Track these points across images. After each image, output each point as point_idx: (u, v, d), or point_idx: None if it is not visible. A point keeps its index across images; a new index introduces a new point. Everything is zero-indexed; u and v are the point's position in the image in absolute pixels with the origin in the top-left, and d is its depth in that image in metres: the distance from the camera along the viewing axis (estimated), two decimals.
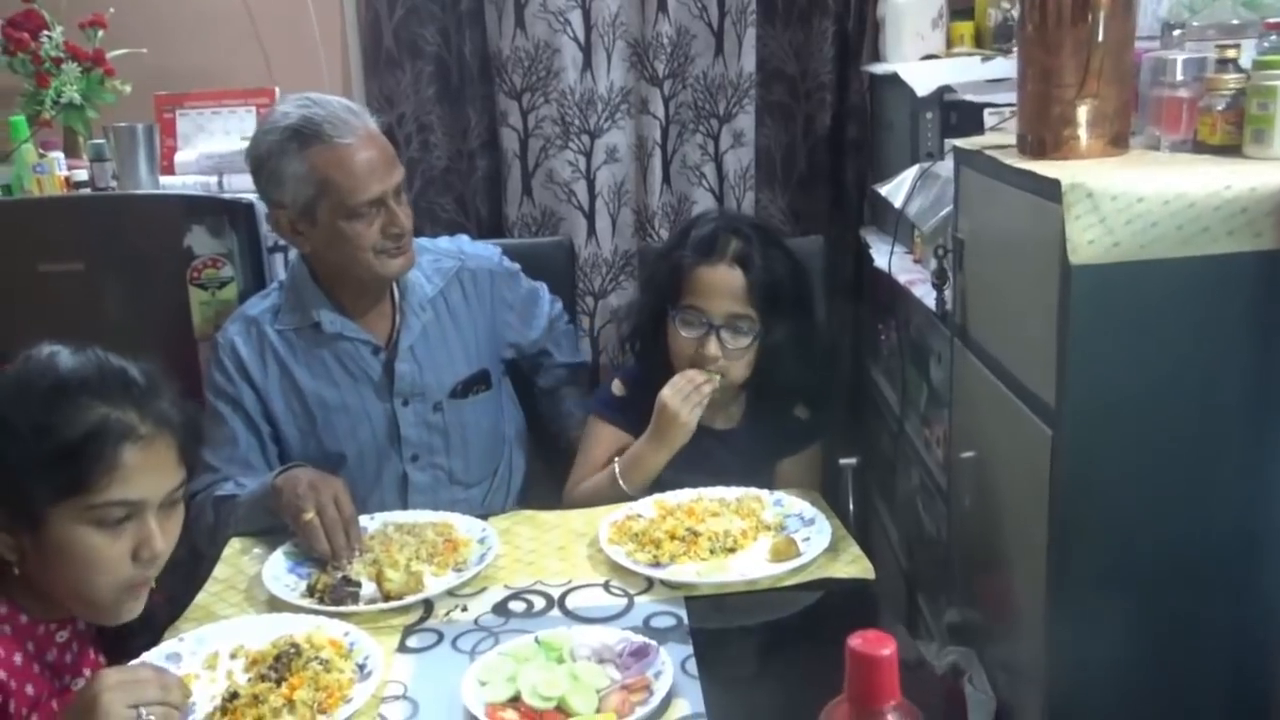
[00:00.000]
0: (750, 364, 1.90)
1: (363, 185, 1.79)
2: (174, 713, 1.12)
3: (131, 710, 1.09)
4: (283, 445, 1.92)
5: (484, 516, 1.75)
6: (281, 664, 1.30)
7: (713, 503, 1.73)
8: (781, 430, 1.98)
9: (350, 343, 1.91)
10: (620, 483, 1.85)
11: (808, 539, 1.61)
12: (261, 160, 1.83)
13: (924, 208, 1.94)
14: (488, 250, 2.12)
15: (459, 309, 2.01)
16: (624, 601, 1.50)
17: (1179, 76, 1.37)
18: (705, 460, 1.91)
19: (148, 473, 1.25)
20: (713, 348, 1.86)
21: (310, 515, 1.60)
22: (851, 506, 2.17)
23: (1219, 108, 1.32)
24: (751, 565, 1.57)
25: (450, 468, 1.97)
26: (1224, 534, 1.26)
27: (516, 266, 2.15)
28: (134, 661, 1.29)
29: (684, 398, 1.81)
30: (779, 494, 1.77)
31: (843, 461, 2.19)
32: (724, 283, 1.87)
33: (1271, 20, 1.35)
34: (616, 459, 1.87)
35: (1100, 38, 1.31)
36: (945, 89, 2.05)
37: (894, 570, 2.27)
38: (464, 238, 2.13)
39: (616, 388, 2.01)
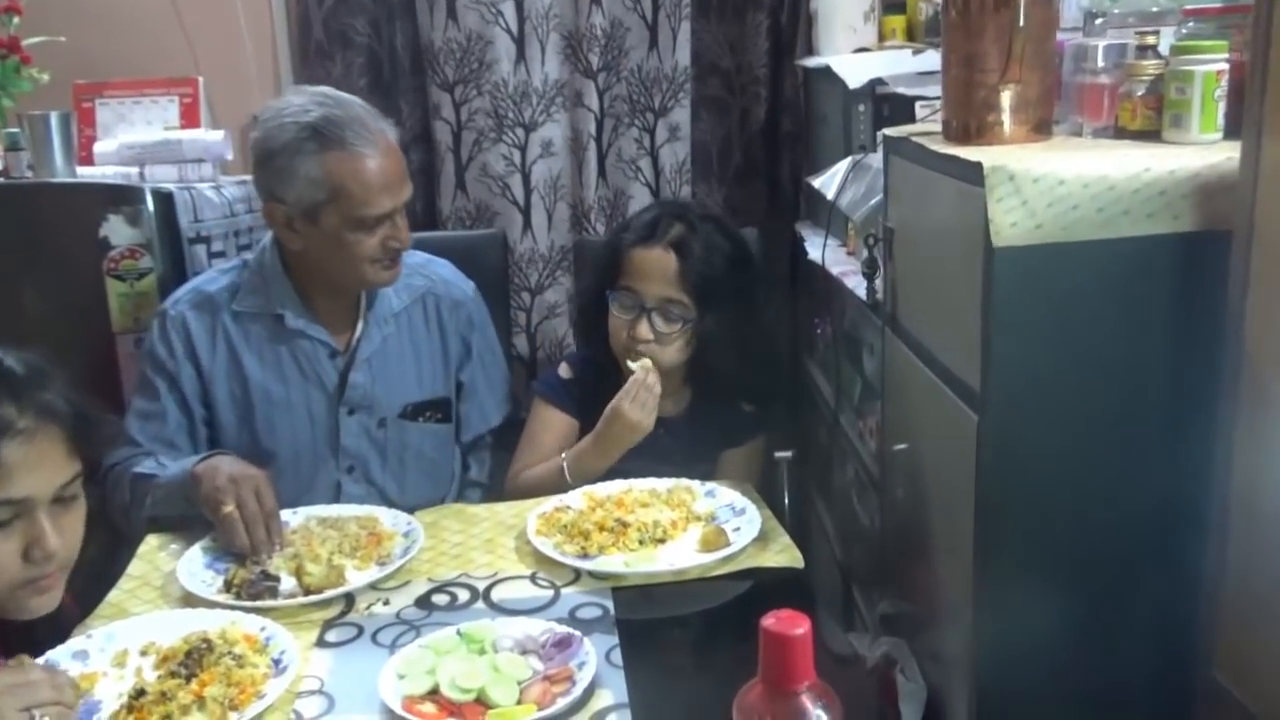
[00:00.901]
0: (682, 350, 1.90)
1: (376, 199, 1.75)
2: (68, 712, 1.08)
3: (24, 714, 1.05)
4: (215, 430, 1.87)
5: (411, 511, 1.72)
6: (192, 660, 1.27)
7: (643, 494, 1.72)
8: (726, 421, 1.98)
9: (310, 342, 1.87)
10: (567, 478, 1.82)
11: (737, 529, 1.60)
12: (272, 153, 1.76)
13: (856, 199, 1.94)
14: (463, 282, 2.05)
15: (419, 330, 1.97)
16: (550, 593, 1.48)
17: (1100, 63, 1.39)
18: (650, 446, 1.91)
19: (32, 469, 1.20)
20: (643, 329, 1.86)
21: (230, 509, 1.56)
22: (787, 499, 2.17)
23: (1139, 93, 1.33)
24: (680, 555, 1.55)
25: (384, 486, 1.93)
26: (1147, 516, 1.27)
27: (485, 315, 2.08)
28: (36, 660, 1.24)
29: (641, 405, 1.79)
30: (711, 485, 1.76)
31: (778, 455, 2.18)
32: (658, 265, 1.88)
33: (1190, 7, 1.37)
34: (565, 456, 1.84)
35: (1022, 23, 1.32)
36: (877, 82, 2.05)
37: (830, 563, 2.27)
38: (443, 262, 2.06)
39: (564, 370, 2.01)
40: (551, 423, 1.95)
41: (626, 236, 1.94)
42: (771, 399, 2.04)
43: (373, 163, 1.74)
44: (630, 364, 1.83)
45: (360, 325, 1.90)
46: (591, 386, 1.95)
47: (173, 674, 1.25)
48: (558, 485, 1.82)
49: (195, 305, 1.86)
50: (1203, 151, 1.23)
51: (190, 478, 1.63)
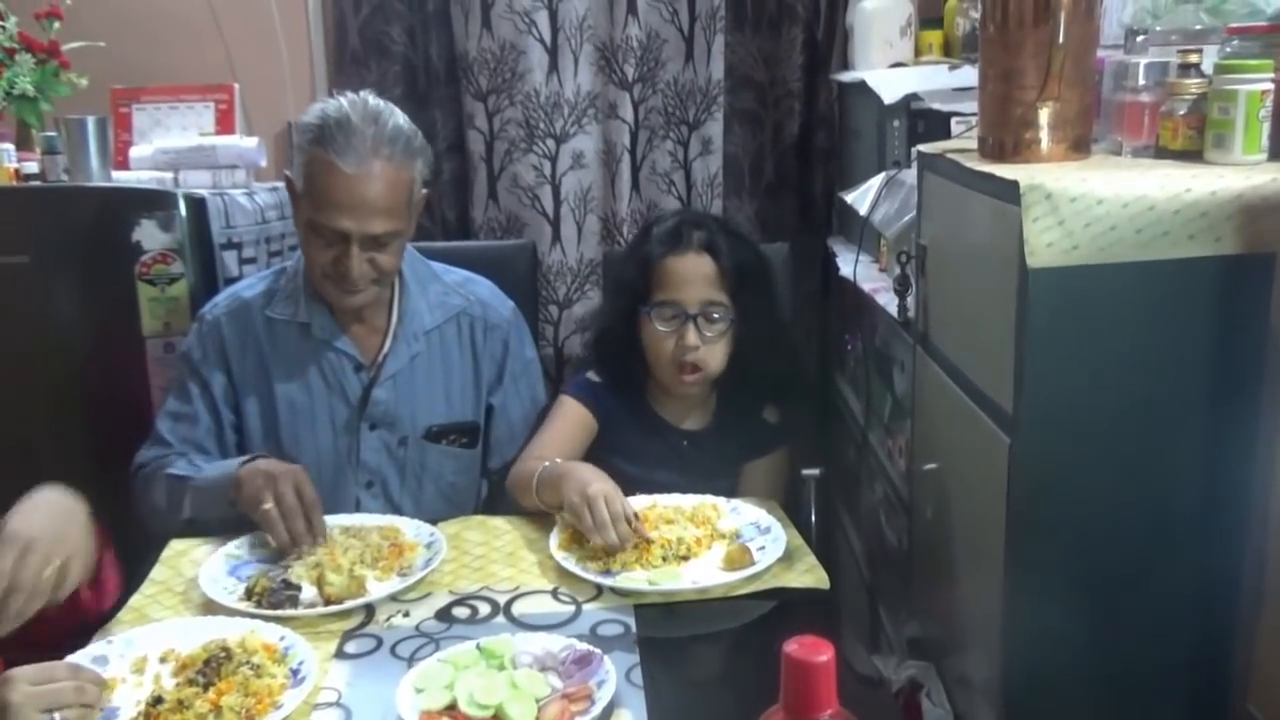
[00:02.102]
0: (725, 351, 1.88)
1: (332, 212, 1.69)
2: (90, 712, 1.07)
3: (45, 716, 1.04)
4: (242, 437, 1.86)
5: (436, 500, 1.71)
6: (210, 668, 1.26)
7: (667, 510, 1.70)
8: (750, 432, 1.96)
9: (335, 353, 1.84)
10: (533, 484, 1.73)
11: (762, 548, 1.58)
12: (295, 131, 1.78)
13: (889, 215, 1.92)
14: (500, 304, 1.97)
15: (451, 350, 1.91)
16: (571, 609, 1.46)
17: (1141, 81, 1.36)
18: (675, 458, 1.91)
19: None
20: (691, 336, 1.85)
21: (269, 505, 1.55)
22: (814, 517, 2.14)
23: (1180, 112, 1.30)
24: (704, 573, 1.53)
25: (401, 504, 1.89)
26: (1181, 543, 1.25)
27: (528, 335, 2.02)
28: (67, 660, 1.24)
29: (599, 524, 1.56)
30: (735, 501, 1.73)
31: (805, 472, 2.17)
32: (695, 271, 1.86)
33: (1234, 25, 1.34)
34: (545, 465, 1.74)
35: (1061, 39, 1.30)
36: (912, 97, 2.03)
37: (857, 583, 2.25)
38: (483, 281, 1.99)
39: (593, 374, 1.98)
40: (572, 414, 1.91)
41: (653, 249, 1.91)
42: (795, 404, 2.02)
43: (344, 176, 1.68)
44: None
45: (389, 341, 1.87)
46: (617, 397, 1.93)
47: (190, 682, 1.24)
48: (526, 488, 1.75)
49: (231, 311, 1.86)
50: (1246, 172, 1.20)
51: (233, 481, 1.63)
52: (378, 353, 1.86)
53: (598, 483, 1.61)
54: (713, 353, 1.87)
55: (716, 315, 1.86)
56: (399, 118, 1.76)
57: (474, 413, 1.93)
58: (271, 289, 1.87)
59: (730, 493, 1.79)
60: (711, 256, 1.87)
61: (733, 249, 1.90)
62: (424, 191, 1.83)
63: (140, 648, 1.34)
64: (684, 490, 1.76)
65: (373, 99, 1.77)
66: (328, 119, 1.70)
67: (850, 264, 2.12)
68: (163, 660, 1.32)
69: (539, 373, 2.03)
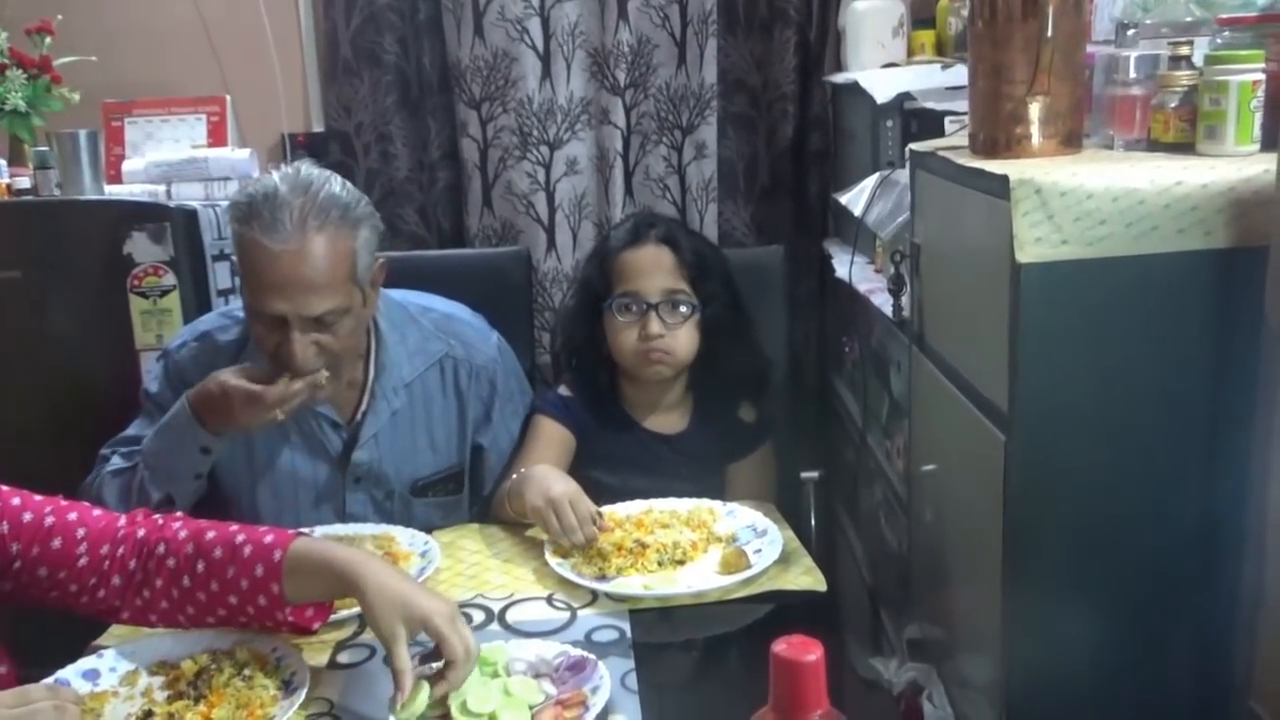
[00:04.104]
0: (693, 339, 1.88)
1: (262, 294, 1.56)
2: None
3: None
4: (216, 485, 1.75)
5: (429, 530, 1.69)
6: (202, 680, 1.25)
7: (663, 514, 1.69)
8: (728, 432, 1.95)
9: (309, 412, 1.72)
10: (506, 501, 1.74)
11: (759, 551, 1.57)
12: (228, 212, 1.66)
13: (883, 215, 1.91)
14: (483, 343, 1.87)
15: (434, 399, 1.81)
16: (566, 615, 1.45)
17: (1131, 74, 1.35)
18: (655, 464, 1.90)
19: None
20: (654, 325, 1.85)
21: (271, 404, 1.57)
22: (813, 520, 2.13)
23: (1172, 105, 1.29)
24: (700, 577, 1.52)
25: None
26: (1179, 539, 1.23)
27: (514, 363, 1.94)
28: (43, 682, 1.23)
29: (567, 528, 1.58)
30: (732, 505, 1.72)
31: (804, 475, 2.16)
32: (654, 261, 1.87)
33: (1224, 16, 1.33)
34: (514, 476, 1.74)
35: (1050, 33, 1.29)
36: (905, 96, 2.02)
37: (858, 586, 2.23)
38: (465, 318, 1.89)
39: (563, 389, 1.97)
40: (549, 433, 1.90)
41: (611, 246, 1.93)
42: (769, 403, 2.01)
43: (270, 254, 1.54)
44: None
45: (366, 398, 1.76)
46: (591, 404, 1.92)
47: (181, 695, 1.24)
48: (500, 503, 1.76)
49: (196, 356, 1.75)
50: (1238, 164, 1.19)
51: (188, 408, 1.60)
52: (355, 409, 1.77)
53: (559, 485, 1.62)
54: (678, 339, 1.86)
55: (679, 302, 1.86)
56: (335, 185, 1.61)
57: (459, 457, 1.85)
58: (243, 338, 1.75)
59: (716, 496, 1.77)
60: (670, 248, 1.87)
61: (693, 242, 1.92)
62: (380, 260, 1.69)
63: (131, 661, 1.33)
64: (669, 497, 1.75)
65: (307, 168, 1.63)
66: (255, 195, 1.57)
67: (846, 265, 2.11)
68: (154, 673, 1.31)
69: (528, 399, 1.97)
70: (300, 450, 1.76)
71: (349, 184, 1.65)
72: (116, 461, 1.72)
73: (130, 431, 1.77)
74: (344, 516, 1.78)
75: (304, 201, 1.56)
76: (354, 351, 1.71)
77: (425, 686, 1.19)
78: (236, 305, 1.80)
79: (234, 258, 1.70)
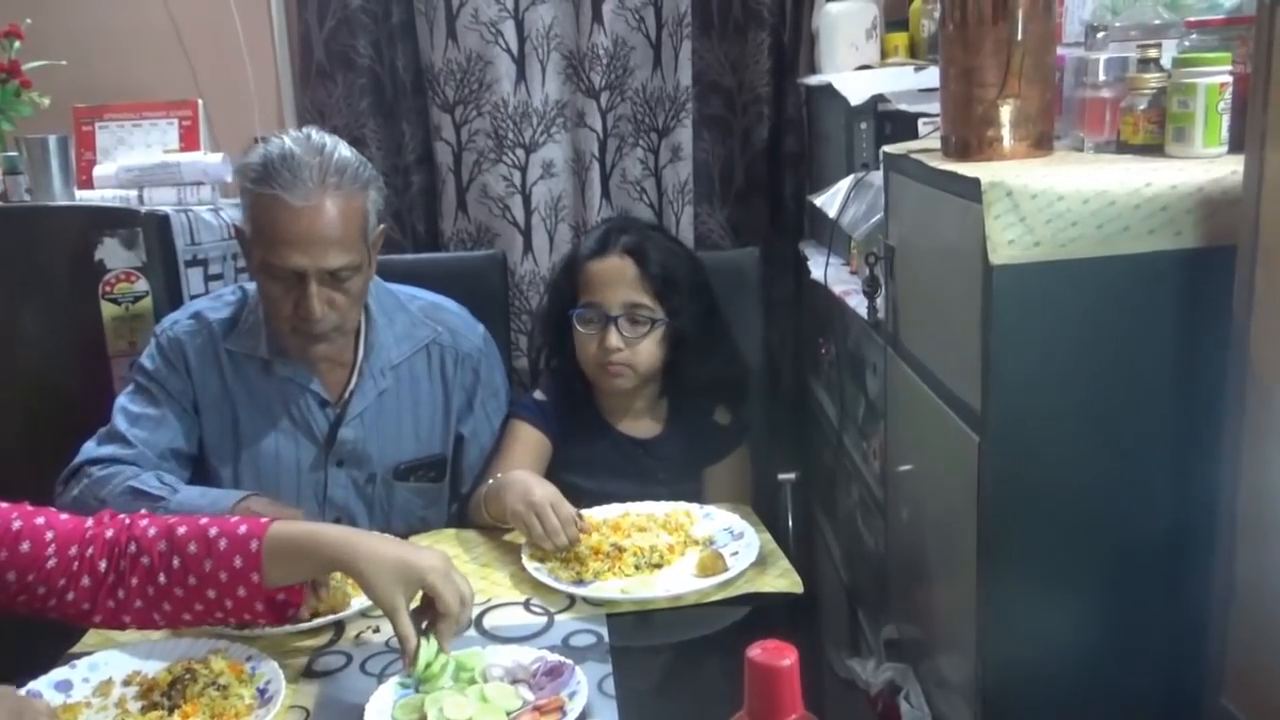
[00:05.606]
0: (656, 352, 1.87)
1: (282, 250, 1.62)
2: None
3: None
4: (204, 459, 1.78)
5: (405, 536, 1.68)
6: (176, 690, 1.24)
7: (640, 518, 1.69)
8: (703, 436, 1.95)
9: (299, 389, 1.78)
10: (483, 505, 1.74)
11: (736, 553, 1.57)
12: (238, 176, 1.72)
13: (857, 217, 1.92)
14: (470, 332, 1.92)
15: (421, 383, 1.85)
16: (543, 620, 1.45)
17: (1101, 77, 1.36)
18: (631, 469, 1.89)
19: None
20: (613, 338, 1.84)
21: None
22: (791, 522, 2.14)
23: (1141, 107, 1.30)
24: (677, 581, 1.52)
25: None
26: (1151, 537, 1.25)
27: (498, 357, 1.97)
28: (18, 690, 1.22)
29: (550, 531, 1.58)
30: (709, 508, 1.73)
31: (781, 477, 2.16)
32: (615, 273, 1.86)
33: (1192, 19, 1.34)
34: (491, 481, 1.75)
35: (1020, 36, 1.30)
36: (879, 99, 2.03)
37: (836, 587, 2.24)
38: (452, 307, 1.94)
39: (539, 394, 1.97)
40: (525, 437, 1.90)
41: (579, 254, 1.93)
42: (743, 406, 2.01)
43: (292, 210, 1.61)
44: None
45: (355, 377, 1.80)
46: (566, 409, 1.92)
47: (155, 705, 1.23)
48: (477, 507, 1.76)
49: (193, 331, 1.79)
50: (1206, 165, 1.20)
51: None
52: (344, 389, 1.80)
53: (539, 489, 1.62)
54: (638, 353, 1.85)
55: (640, 317, 1.85)
56: (344, 148, 1.70)
57: (442, 445, 1.88)
58: (234, 317, 1.80)
59: (693, 499, 1.78)
60: (635, 259, 1.86)
61: (661, 253, 1.89)
62: (381, 226, 1.76)
63: (105, 671, 1.32)
64: (646, 500, 1.75)
65: (316, 133, 1.71)
66: (271, 156, 1.64)
67: (821, 267, 2.12)
68: (127, 684, 1.30)
69: (509, 397, 1.99)
70: (286, 428, 1.79)
71: (353, 149, 1.73)
72: (148, 482, 1.66)
73: (129, 404, 1.76)
74: (324, 499, 1.81)
75: (321, 161, 1.64)
76: (354, 320, 1.76)
77: (431, 640, 1.25)
78: (226, 289, 1.89)
79: (238, 225, 1.74)
